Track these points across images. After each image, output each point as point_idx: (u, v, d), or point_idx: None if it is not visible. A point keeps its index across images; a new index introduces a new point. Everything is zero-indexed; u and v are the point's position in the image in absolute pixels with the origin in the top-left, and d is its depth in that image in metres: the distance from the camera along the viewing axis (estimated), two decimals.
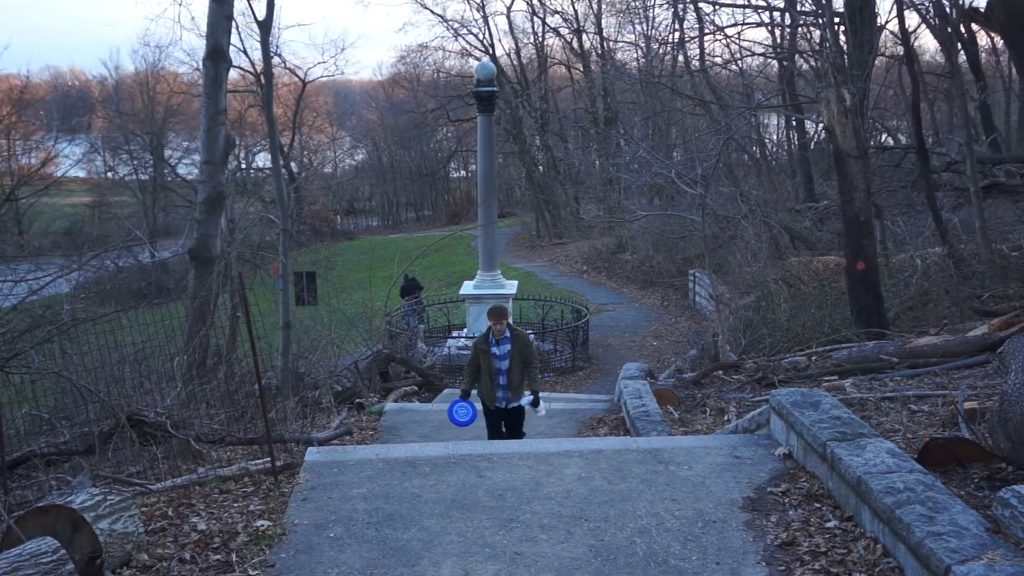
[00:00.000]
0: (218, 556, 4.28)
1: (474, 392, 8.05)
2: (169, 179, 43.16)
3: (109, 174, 47.22)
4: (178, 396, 6.69)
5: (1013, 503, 3.76)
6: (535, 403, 7.89)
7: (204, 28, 9.79)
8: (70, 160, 42.12)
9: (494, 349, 7.81)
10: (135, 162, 43.80)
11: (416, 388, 12.84)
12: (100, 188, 46.20)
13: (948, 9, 16.37)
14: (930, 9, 17.33)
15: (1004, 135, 23.36)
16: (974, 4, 16.48)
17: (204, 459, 6.01)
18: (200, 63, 10.35)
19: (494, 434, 8.03)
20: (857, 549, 4.09)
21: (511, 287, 18.77)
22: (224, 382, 7.33)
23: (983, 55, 24.97)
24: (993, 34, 21.03)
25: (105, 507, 4.18)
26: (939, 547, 3.51)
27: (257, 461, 5.74)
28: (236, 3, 10.47)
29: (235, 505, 5.03)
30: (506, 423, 8.03)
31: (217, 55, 9.50)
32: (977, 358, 7.99)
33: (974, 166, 14.87)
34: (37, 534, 3.97)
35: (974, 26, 19.60)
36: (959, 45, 18.70)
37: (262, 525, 4.60)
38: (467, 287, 18.83)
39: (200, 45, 11.39)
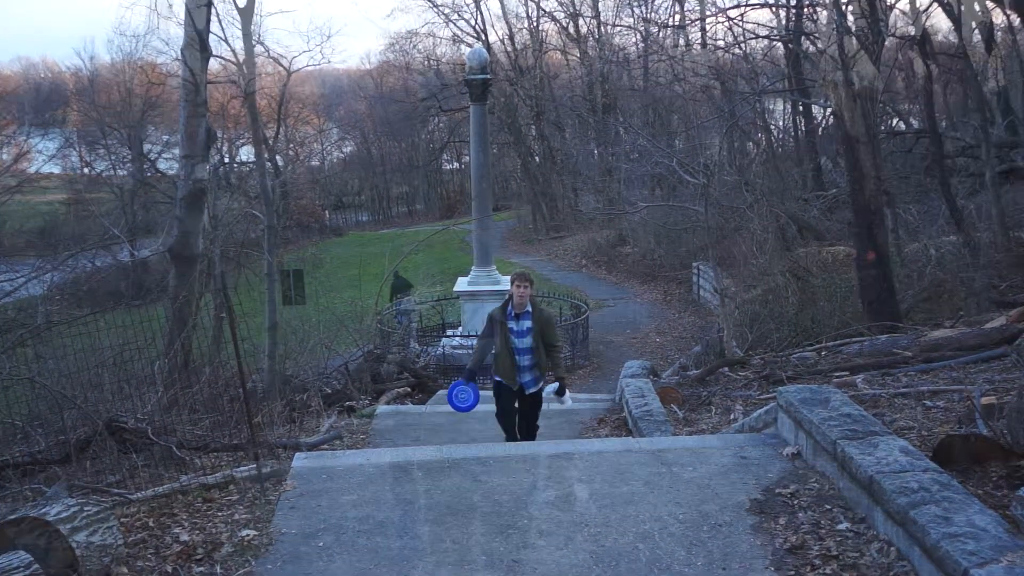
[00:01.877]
0: (202, 568, 4.16)
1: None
2: (148, 174, 41.16)
3: (85, 170, 45.90)
4: (159, 401, 6.52)
5: None
6: (560, 391, 7.21)
7: (182, 16, 9.61)
8: (44, 156, 41.38)
9: (512, 324, 7.07)
10: (112, 157, 42.58)
11: (409, 390, 12.61)
12: (76, 185, 44.42)
13: None
14: None
15: (1022, 118, 22.84)
16: None
17: (187, 467, 5.84)
18: (179, 53, 10.13)
19: (505, 413, 7.24)
20: (870, 552, 3.97)
21: (507, 283, 18.51)
22: (207, 386, 7.15)
23: (999, 34, 24.46)
24: (1009, 12, 20.71)
25: (82, 518, 4.05)
26: (956, 549, 3.40)
27: (242, 468, 5.55)
28: None
29: (219, 514, 4.88)
30: (520, 411, 7.31)
31: (196, 44, 9.31)
32: (994, 351, 7.78)
33: (990, 150, 14.69)
34: (9, 548, 3.84)
35: (989, 4, 19.28)
36: (973, 24, 18.37)
37: (247, 535, 4.48)
38: (461, 283, 18.60)
39: (179, 34, 11.21)
